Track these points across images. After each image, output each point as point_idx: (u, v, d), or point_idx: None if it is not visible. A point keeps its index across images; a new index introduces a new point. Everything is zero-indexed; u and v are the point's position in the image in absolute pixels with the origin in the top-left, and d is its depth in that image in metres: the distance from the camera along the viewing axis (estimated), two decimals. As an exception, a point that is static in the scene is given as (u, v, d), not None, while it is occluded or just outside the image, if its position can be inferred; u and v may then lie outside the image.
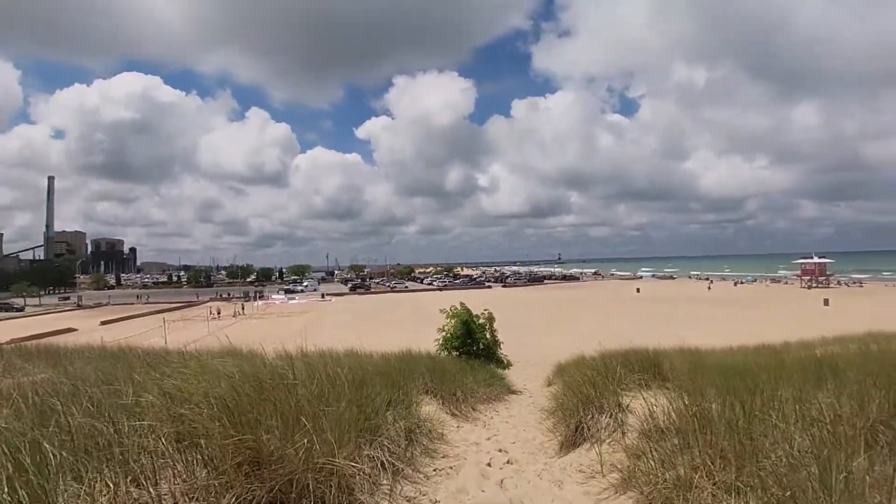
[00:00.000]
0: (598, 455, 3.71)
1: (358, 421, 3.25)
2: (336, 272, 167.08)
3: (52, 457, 2.11)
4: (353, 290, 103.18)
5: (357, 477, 2.77)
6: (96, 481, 2.09)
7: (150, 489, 2.18)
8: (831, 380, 4.06)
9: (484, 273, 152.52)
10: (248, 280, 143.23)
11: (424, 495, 3.27)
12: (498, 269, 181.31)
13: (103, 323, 52.14)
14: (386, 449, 3.36)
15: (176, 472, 2.33)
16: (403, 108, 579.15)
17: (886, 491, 2.04)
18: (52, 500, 1.93)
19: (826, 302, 50.32)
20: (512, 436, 5.41)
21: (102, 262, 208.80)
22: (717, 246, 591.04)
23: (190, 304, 76.99)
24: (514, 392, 9.43)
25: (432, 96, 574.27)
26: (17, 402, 2.93)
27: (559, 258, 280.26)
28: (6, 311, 71.28)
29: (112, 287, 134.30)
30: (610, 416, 4.37)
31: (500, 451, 4.66)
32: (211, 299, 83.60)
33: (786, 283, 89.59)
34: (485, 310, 15.21)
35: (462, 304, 14.96)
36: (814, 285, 75.84)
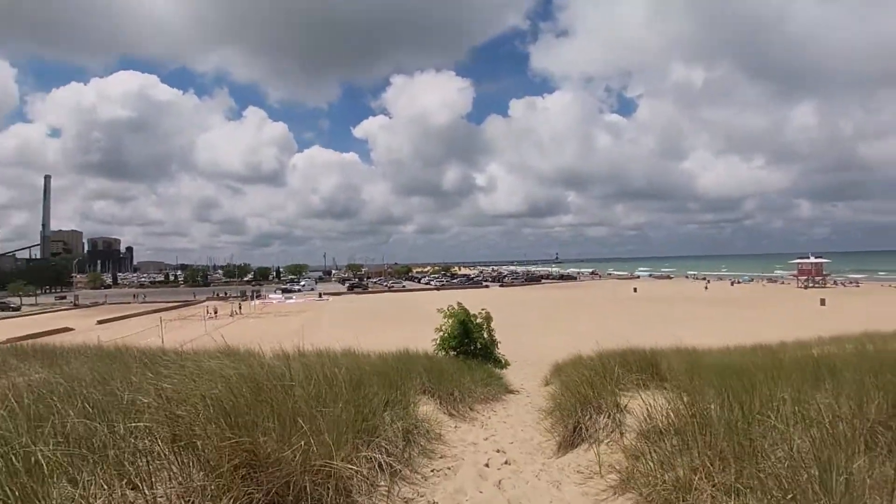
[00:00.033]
0: (597, 456, 3.70)
1: (355, 422, 3.24)
2: (333, 271, 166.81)
3: (45, 459, 2.08)
4: (351, 289, 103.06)
5: (355, 479, 2.76)
6: (91, 484, 2.07)
7: (146, 491, 2.16)
8: (829, 380, 4.06)
9: (481, 273, 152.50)
10: (246, 279, 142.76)
11: (422, 496, 3.26)
12: (495, 268, 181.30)
13: (100, 322, 52.00)
14: (383, 450, 3.35)
15: (171, 474, 2.31)
16: (401, 107, 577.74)
17: (887, 493, 2.03)
18: (45, 504, 1.90)
19: (823, 302, 50.51)
20: (510, 436, 5.40)
21: (99, 262, 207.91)
22: (714, 246, 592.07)
23: (187, 304, 76.82)
24: (511, 392, 9.43)
25: (430, 96, 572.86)
26: (11, 403, 2.90)
27: (557, 258, 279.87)
28: (2, 310, 71.18)
29: (109, 286, 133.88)
30: (608, 417, 4.36)
31: (497, 451, 4.65)
32: (208, 298, 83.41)
33: (782, 282, 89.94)
34: (482, 309, 15.21)
35: (459, 303, 14.96)
36: (810, 285, 76.15)
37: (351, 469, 2.72)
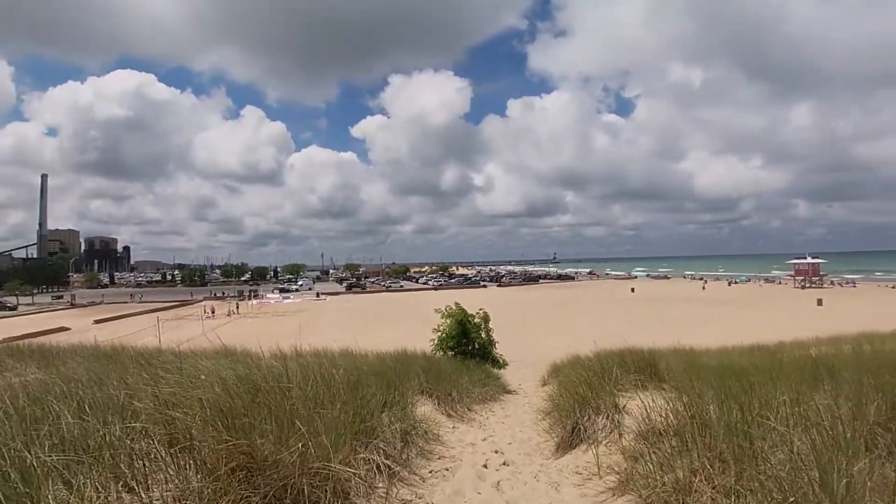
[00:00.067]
0: (595, 457, 3.68)
1: (353, 423, 3.22)
2: (331, 271, 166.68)
3: (40, 462, 2.06)
4: (349, 289, 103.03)
5: (353, 481, 2.74)
6: (86, 486, 2.05)
7: (142, 494, 2.14)
8: (828, 381, 4.06)
9: (479, 272, 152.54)
10: (243, 279, 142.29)
11: (420, 498, 3.24)
12: (493, 268, 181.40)
13: (97, 322, 51.84)
14: (382, 451, 3.33)
15: (168, 476, 2.29)
16: (399, 107, 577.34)
17: (888, 496, 2.02)
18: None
19: (819, 302, 50.66)
20: (508, 436, 5.38)
21: (96, 261, 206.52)
22: (711, 246, 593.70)
23: (184, 303, 76.66)
24: (509, 392, 9.42)
25: (428, 95, 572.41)
26: (6, 404, 2.88)
27: (554, 258, 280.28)
28: (-1, 309, 70.88)
29: (106, 286, 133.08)
30: (606, 418, 4.35)
31: (496, 452, 4.64)
32: (205, 298, 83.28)
33: (779, 283, 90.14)
34: (480, 309, 15.22)
35: (457, 303, 14.96)
36: (807, 285, 76.33)
37: (349, 472, 2.70)
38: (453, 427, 5.52)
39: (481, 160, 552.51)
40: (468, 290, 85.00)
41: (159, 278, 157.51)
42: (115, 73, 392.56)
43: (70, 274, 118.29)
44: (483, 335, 14.67)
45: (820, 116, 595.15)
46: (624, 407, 4.35)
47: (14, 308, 73.08)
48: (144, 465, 2.26)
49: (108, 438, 2.41)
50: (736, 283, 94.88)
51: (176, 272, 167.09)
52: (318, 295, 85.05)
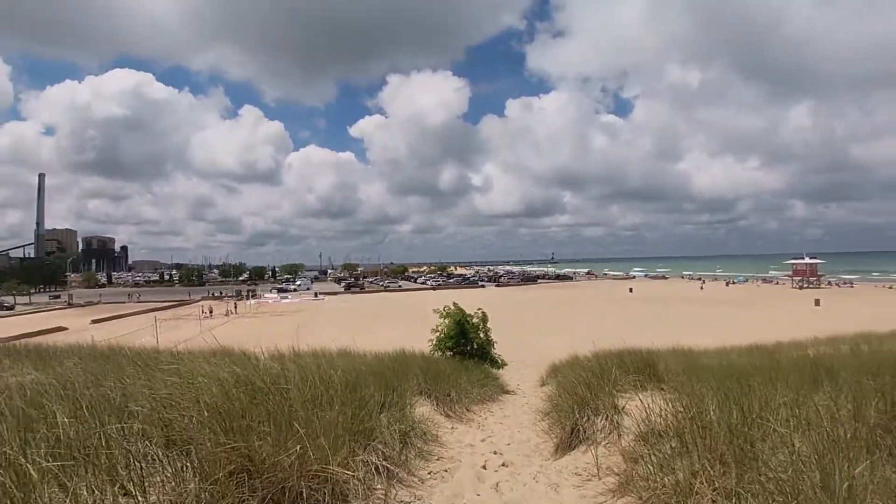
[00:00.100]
0: (595, 458, 3.67)
1: (352, 425, 3.20)
2: (329, 271, 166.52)
3: (34, 465, 2.03)
4: (348, 288, 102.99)
5: (351, 483, 2.72)
6: (82, 490, 2.03)
7: (139, 497, 2.12)
8: (827, 382, 4.05)
9: (477, 272, 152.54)
10: (241, 279, 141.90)
11: (419, 500, 3.22)
12: (491, 268, 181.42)
13: (94, 322, 51.68)
14: (380, 453, 3.31)
15: (165, 479, 2.27)
16: (397, 106, 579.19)
17: (890, 498, 2.02)
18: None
19: (817, 302, 50.74)
20: (507, 437, 5.37)
21: (93, 261, 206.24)
22: (709, 246, 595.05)
23: (182, 303, 76.49)
24: (508, 392, 9.40)
25: (426, 95, 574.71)
26: (1, 405, 2.85)
27: (553, 258, 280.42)
28: (-4, 309, 70.63)
29: (103, 285, 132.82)
30: (606, 419, 4.33)
31: (494, 453, 4.62)
32: (203, 298, 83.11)
33: (777, 283, 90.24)
34: (478, 309, 15.20)
35: (455, 304, 14.95)
36: (805, 286, 76.40)
37: (347, 474, 2.68)
38: (452, 428, 5.50)
39: (479, 160, 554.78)
40: (466, 290, 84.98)
41: (157, 278, 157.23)
42: (113, 72, 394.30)
43: (67, 273, 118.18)
44: (481, 335, 14.66)
45: (818, 117, 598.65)
46: (623, 408, 4.33)
47: (11, 308, 72.83)
48: (141, 467, 2.23)
49: (104, 441, 2.38)
50: (734, 283, 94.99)
51: (174, 272, 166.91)
52: (316, 295, 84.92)
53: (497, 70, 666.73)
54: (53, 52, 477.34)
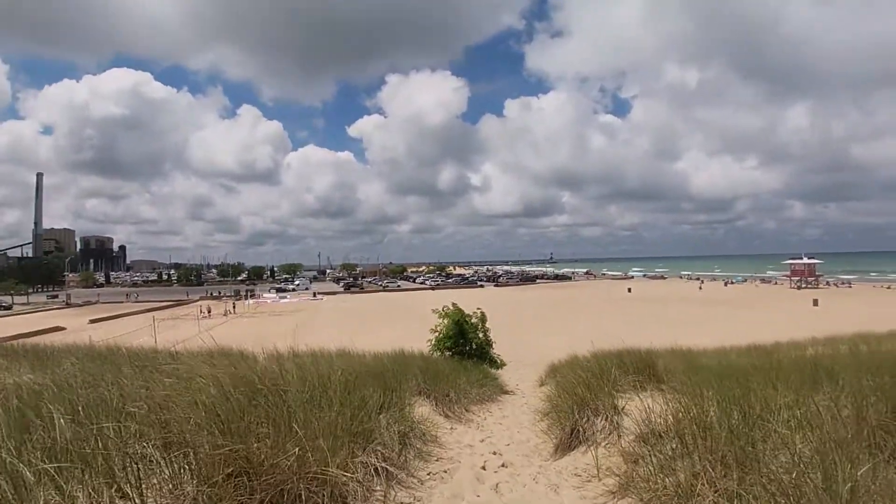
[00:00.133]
0: (595, 459, 3.66)
1: (351, 426, 3.18)
2: (328, 271, 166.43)
3: (30, 467, 2.01)
4: (348, 288, 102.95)
5: (350, 485, 2.70)
6: (79, 492, 2.01)
7: (136, 500, 2.09)
8: (827, 382, 4.04)
9: (476, 272, 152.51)
10: (240, 278, 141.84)
11: (419, 501, 3.20)
12: (490, 268, 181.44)
13: (92, 321, 51.56)
14: (379, 454, 3.29)
15: (162, 481, 2.25)
16: (396, 106, 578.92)
17: (893, 500, 2.00)
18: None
19: (815, 302, 50.81)
20: (506, 437, 5.35)
21: (92, 260, 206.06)
22: (707, 246, 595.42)
23: (180, 303, 76.38)
24: (507, 392, 9.39)
25: (425, 95, 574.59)
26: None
27: (551, 258, 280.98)
28: (-7, 309, 70.45)
29: (101, 285, 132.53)
30: (605, 419, 4.32)
31: (494, 453, 4.60)
32: (201, 298, 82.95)
33: (775, 283, 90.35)
34: (477, 309, 15.20)
35: (454, 304, 14.94)
36: (803, 286, 76.52)
37: (346, 476, 2.66)
38: (451, 428, 5.48)
39: (478, 160, 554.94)
40: (465, 290, 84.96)
41: (155, 278, 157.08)
42: (111, 71, 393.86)
43: (65, 273, 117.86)
44: (480, 335, 14.65)
45: (816, 117, 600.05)
46: (623, 408, 4.32)
47: (9, 307, 72.62)
48: (139, 469, 2.21)
49: (101, 442, 2.36)
50: (732, 283, 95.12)
51: (172, 272, 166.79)
52: (314, 295, 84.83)
53: (496, 70, 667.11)
54: (52, 51, 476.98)
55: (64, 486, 2.00)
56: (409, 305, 59.37)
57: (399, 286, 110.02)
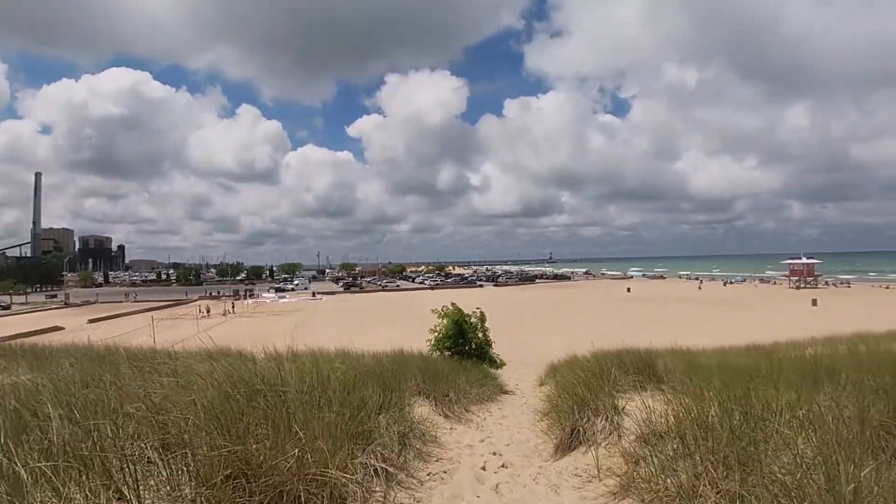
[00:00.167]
0: (595, 459, 3.64)
1: (350, 426, 3.16)
2: (327, 270, 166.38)
3: (27, 468, 1.99)
4: (347, 288, 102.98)
5: (350, 486, 2.68)
6: (76, 494, 1.99)
7: (134, 501, 2.07)
8: (828, 382, 4.03)
9: (476, 272, 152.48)
10: (239, 278, 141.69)
11: (419, 502, 3.19)
12: (489, 268, 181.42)
13: (91, 321, 51.52)
14: (379, 455, 3.27)
15: (160, 483, 2.23)
16: (395, 106, 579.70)
17: (895, 501, 1.99)
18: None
19: (814, 302, 50.87)
20: (506, 438, 5.34)
21: (90, 260, 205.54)
22: (706, 246, 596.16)
23: (179, 303, 76.28)
24: (506, 392, 9.38)
25: (424, 95, 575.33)
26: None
27: (550, 258, 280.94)
28: (-8, 308, 70.36)
29: (100, 285, 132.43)
30: (605, 419, 4.31)
31: (494, 454, 4.59)
32: (200, 297, 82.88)
33: (774, 283, 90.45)
34: (476, 309, 15.19)
35: (453, 303, 14.92)
36: (802, 286, 76.60)
37: (346, 477, 2.64)
38: (451, 428, 5.47)
39: (478, 160, 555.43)
40: (465, 290, 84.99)
41: (154, 277, 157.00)
42: (110, 70, 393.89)
43: (64, 273, 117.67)
44: (480, 335, 14.65)
45: (816, 117, 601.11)
46: (623, 408, 4.31)
47: (7, 307, 72.54)
48: (136, 471, 2.19)
49: (99, 443, 2.34)
50: (731, 283, 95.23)
51: (171, 271, 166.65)
52: (313, 294, 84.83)
53: (495, 70, 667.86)
54: (51, 50, 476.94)
55: (61, 487, 1.98)
56: (408, 305, 59.36)
57: (398, 286, 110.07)
